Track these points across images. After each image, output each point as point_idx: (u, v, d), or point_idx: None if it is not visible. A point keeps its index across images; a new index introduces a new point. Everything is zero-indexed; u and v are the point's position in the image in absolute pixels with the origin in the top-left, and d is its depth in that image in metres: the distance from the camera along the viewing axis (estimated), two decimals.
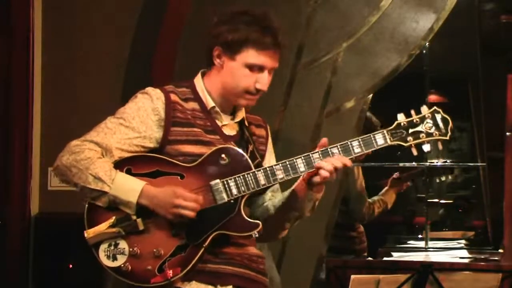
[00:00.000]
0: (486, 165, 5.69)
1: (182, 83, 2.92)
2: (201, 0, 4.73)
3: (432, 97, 6.20)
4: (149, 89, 2.87)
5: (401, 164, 5.67)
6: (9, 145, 4.81)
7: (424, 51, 5.47)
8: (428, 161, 5.71)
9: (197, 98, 2.87)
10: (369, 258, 5.16)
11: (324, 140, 2.80)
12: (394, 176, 5.49)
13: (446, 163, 6.03)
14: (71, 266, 4.69)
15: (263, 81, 2.82)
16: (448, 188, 6.65)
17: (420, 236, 5.96)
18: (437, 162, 5.83)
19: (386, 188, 5.45)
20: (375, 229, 5.53)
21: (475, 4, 5.75)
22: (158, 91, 2.85)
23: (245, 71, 2.80)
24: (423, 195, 5.85)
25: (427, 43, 5.08)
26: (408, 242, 5.83)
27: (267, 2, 4.58)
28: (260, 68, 2.81)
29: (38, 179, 4.85)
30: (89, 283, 4.65)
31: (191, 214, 2.70)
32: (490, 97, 5.65)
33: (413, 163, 5.70)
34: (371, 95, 4.70)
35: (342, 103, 4.69)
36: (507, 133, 4.47)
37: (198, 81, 2.91)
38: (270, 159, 2.98)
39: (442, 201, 6.48)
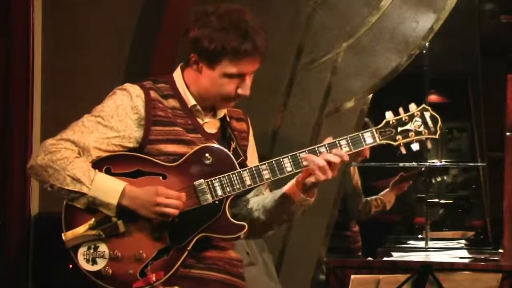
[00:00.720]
0: (486, 165, 5.70)
1: (161, 78, 2.81)
2: (201, 0, 4.74)
3: (432, 97, 6.21)
4: (128, 86, 2.76)
5: (401, 164, 5.67)
6: (9, 145, 4.80)
7: (424, 51, 5.47)
8: (428, 161, 5.72)
9: (177, 95, 2.76)
10: (369, 258, 5.17)
11: (329, 139, 2.72)
12: (398, 177, 5.47)
13: (446, 164, 6.04)
14: (71, 266, 4.67)
15: (245, 86, 2.72)
16: (448, 188, 6.65)
17: (420, 236, 5.96)
18: (436, 163, 5.83)
19: (387, 189, 5.45)
20: (375, 229, 5.53)
21: (475, 4, 5.77)
22: (137, 88, 2.74)
23: (224, 80, 2.70)
24: (423, 195, 5.86)
25: (427, 43, 5.08)
26: (408, 242, 5.84)
27: (267, 2, 4.59)
28: (240, 75, 2.71)
29: None
30: (89, 283, 4.64)
31: (174, 211, 2.61)
32: (490, 97, 5.65)
33: (413, 163, 5.71)
34: (371, 95, 4.70)
35: (342, 103, 4.69)
36: (507, 133, 4.47)
37: (177, 76, 2.80)
38: (252, 154, 2.89)
39: (442, 201, 6.49)
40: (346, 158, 2.68)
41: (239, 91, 2.72)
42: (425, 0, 4.64)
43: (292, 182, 2.73)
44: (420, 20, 4.63)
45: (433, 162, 5.80)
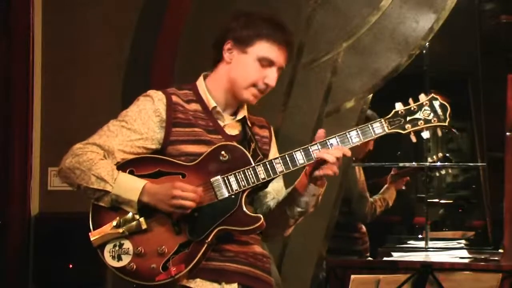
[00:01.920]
0: (486, 165, 5.70)
1: (184, 85, 2.95)
2: (201, 0, 4.73)
3: None
4: (151, 92, 2.90)
5: (401, 164, 5.67)
6: (9, 145, 4.80)
7: (424, 51, 5.47)
8: (429, 161, 5.72)
9: (199, 99, 2.90)
10: (369, 258, 5.17)
11: (321, 131, 2.81)
12: (392, 172, 5.49)
13: (446, 164, 6.04)
14: (71, 266, 4.68)
15: (272, 76, 2.85)
16: (448, 188, 6.65)
17: (420, 236, 5.96)
18: (436, 163, 5.83)
19: (386, 186, 5.46)
20: (375, 229, 5.53)
21: (475, 4, 5.76)
22: (159, 93, 2.88)
23: (255, 64, 2.84)
24: (423, 195, 5.86)
25: (427, 43, 5.08)
26: (408, 242, 5.83)
27: (267, 2, 4.59)
28: (270, 63, 2.84)
29: (38, 179, 4.85)
30: (89, 283, 4.65)
31: (191, 204, 2.71)
32: (490, 97, 5.65)
33: (413, 162, 5.71)
34: (371, 95, 4.70)
35: (342, 103, 4.69)
36: (507, 133, 4.47)
37: (200, 83, 2.94)
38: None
39: (442, 201, 6.49)
40: (349, 153, 2.76)
41: (266, 80, 2.85)
42: (425, 0, 4.64)
43: (302, 175, 2.84)
44: (420, 20, 4.63)
45: (433, 162, 5.79)
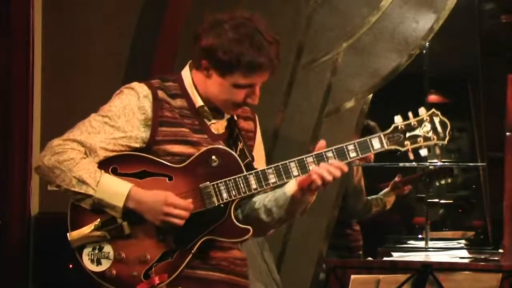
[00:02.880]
0: (486, 165, 5.70)
1: (169, 76, 2.81)
2: (201, 0, 4.73)
3: (432, 97, 6.21)
4: (135, 85, 2.76)
5: (401, 164, 5.67)
6: (9, 145, 4.80)
7: (424, 51, 5.47)
8: (428, 161, 5.72)
9: (185, 94, 2.76)
10: (369, 258, 5.16)
11: (321, 143, 2.71)
12: (396, 179, 5.48)
13: (446, 164, 6.04)
14: (71, 266, 4.68)
15: (254, 96, 2.72)
16: (448, 188, 6.65)
17: (420, 236, 5.96)
18: (436, 163, 5.83)
19: (386, 189, 5.45)
20: (375, 229, 5.53)
21: (475, 4, 5.76)
22: (145, 87, 2.73)
23: (233, 89, 2.70)
24: (423, 195, 5.86)
25: (427, 43, 5.08)
26: (408, 242, 5.83)
27: (268, 2, 4.59)
28: (250, 85, 2.71)
29: (38, 179, 4.84)
30: (89, 283, 4.64)
31: (180, 222, 2.62)
32: (490, 97, 5.65)
33: (413, 163, 5.70)
34: (371, 95, 4.69)
35: (342, 103, 4.69)
36: (507, 133, 4.47)
37: (186, 74, 2.79)
38: (258, 153, 2.88)
39: (442, 201, 6.48)
40: (346, 169, 2.67)
41: (248, 100, 2.73)
42: (425, 0, 4.64)
43: (292, 182, 2.72)
44: (420, 20, 4.63)
45: (433, 162, 5.79)
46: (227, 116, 2.81)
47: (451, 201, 6.56)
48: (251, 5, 4.17)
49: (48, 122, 4.87)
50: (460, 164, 6.42)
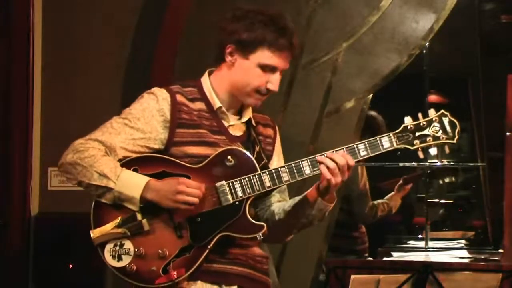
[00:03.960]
0: (486, 165, 5.70)
1: (189, 82, 2.91)
2: (201, 0, 4.73)
3: (432, 97, 6.20)
4: (156, 90, 2.86)
5: (401, 164, 5.66)
6: (9, 145, 4.80)
7: (424, 51, 5.47)
8: (428, 161, 5.72)
9: (203, 98, 2.86)
10: (369, 258, 5.16)
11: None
12: (401, 181, 5.48)
13: (446, 164, 6.03)
14: (71, 266, 4.68)
15: (275, 81, 2.82)
16: (448, 188, 6.65)
17: (420, 236, 5.95)
18: (436, 163, 5.83)
19: (392, 193, 5.44)
20: (375, 229, 5.53)
21: (475, 4, 5.76)
22: (164, 91, 2.84)
23: (257, 70, 2.80)
24: (423, 195, 5.86)
25: (427, 43, 5.08)
26: (408, 242, 5.83)
27: (268, 2, 4.59)
28: (273, 69, 2.81)
29: (38, 179, 4.85)
30: (89, 283, 4.65)
31: (195, 200, 2.70)
32: (490, 97, 5.65)
33: (413, 163, 5.70)
34: (371, 95, 4.69)
35: (342, 103, 4.69)
36: (507, 133, 4.47)
37: (205, 80, 2.90)
38: (277, 160, 2.97)
39: (442, 201, 6.48)
40: (352, 162, 2.74)
41: (269, 85, 2.82)
42: (425, 0, 4.64)
43: (312, 187, 2.82)
44: (420, 20, 4.63)
45: (433, 162, 5.79)
46: (244, 118, 2.90)
47: (451, 201, 6.55)
48: (251, 5, 4.16)
49: (48, 122, 4.87)
50: (460, 164, 6.41)
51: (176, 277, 2.70)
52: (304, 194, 2.84)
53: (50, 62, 4.91)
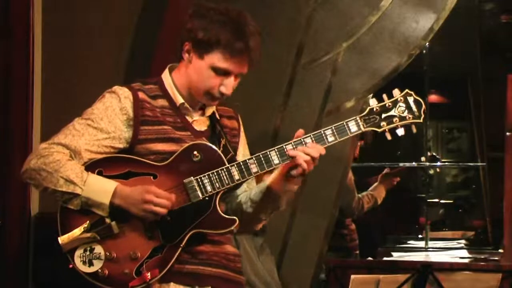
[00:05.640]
0: (486, 165, 5.71)
1: (149, 80, 2.87)
2: (201, 0, 4.73)
3: (432, 97, 6.22)
4: (116, 88, 2.82)
5: (401, 164, 5.67)
6: (9, 145, 4.80)
7: (424, 51, 5.48)
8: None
9: (165, 94, 2.81)
10: (369, 258, 5.17)
11: (300, 131, 2.76)
12: (385, 171, 5.49)
13: (446, 164, 6.05)
14: (71, 266, 4.68)
15: (229, 85, 2.75)
16: (448, 188, 6.66)
17: (420, 236, 5.97)
18: (436, 163, 5.84)
19: (375, 184, 5.45)
20: (376, 229, 5.53)
21: (475, 4, 5.77)
22: (125, 89, 2.80)
23: (210, 72, 2.74)
24: (423, 195, 5.87)
25: (427, 43, 5.08)
26: (408, 242, 5.84)
27: (267, 2, 4.59)
28: (226, 73, 2.74)
29: None
30: (89, 283, 4.64)
31: (162, 211, 2.65)
32: (490, 97, 5.66)
33: (413, 163, 5.71)
34: (371, 95, 4.69)
35: (342, 103, 4.69)
36: (507, 133, 4.48)
37: (165, 76, 2.86)
38: (243, 151, 2.92)
39: (442, 201, 6.49)
40: (323, 151, 2.71)
41: (221, 88, 2.76)
42: (425, 0, 4.64)
43: (275, 172, 2.77)
44: (420, 20, 4.63)
45: (433, 163, 5.80)
46: (208, 113, 2.85)
47: (451, 201, 6.57)
48: (251, 5, 4.17)
49: (48, 122, 4.87)
50: (460, 164, 6.42)
51: (150, 278, 2.64)
52: (269, 181, 2.77)
53: (50, 62, 4.90)
